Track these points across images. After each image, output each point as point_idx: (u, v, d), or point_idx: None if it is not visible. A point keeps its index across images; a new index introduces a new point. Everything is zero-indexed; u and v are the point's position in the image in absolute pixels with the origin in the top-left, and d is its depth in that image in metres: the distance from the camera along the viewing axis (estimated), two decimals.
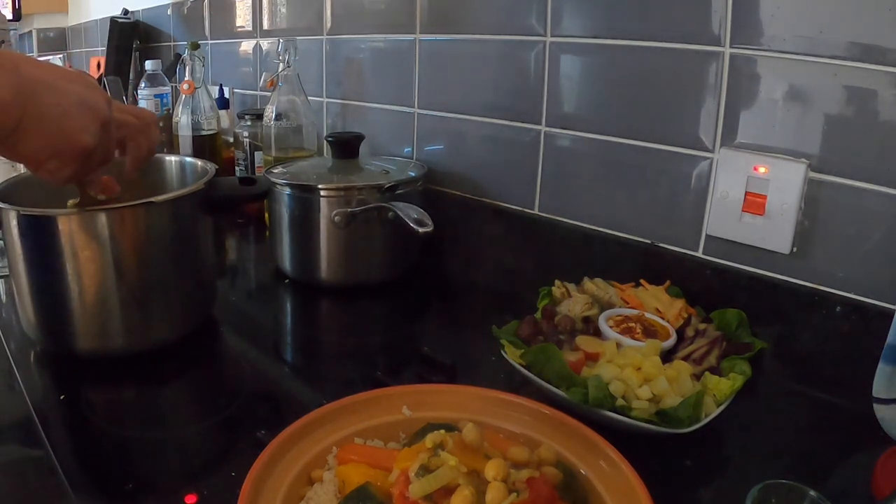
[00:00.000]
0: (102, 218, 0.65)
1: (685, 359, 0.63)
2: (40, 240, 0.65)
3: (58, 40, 2.93)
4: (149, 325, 0.71)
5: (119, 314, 0.68)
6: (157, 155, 0.91)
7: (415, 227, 0.80)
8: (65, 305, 0.67)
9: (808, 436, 0.62)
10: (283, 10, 1.36)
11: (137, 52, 1.94)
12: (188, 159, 0.87)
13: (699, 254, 0.76)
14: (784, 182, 0.67)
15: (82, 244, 0.65)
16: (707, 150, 0.73)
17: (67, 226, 0.64)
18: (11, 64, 0.48)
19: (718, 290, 0.73)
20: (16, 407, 0.63)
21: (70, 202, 0.67)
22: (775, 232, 0.68)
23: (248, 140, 1.26)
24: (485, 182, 0.98)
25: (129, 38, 1.93)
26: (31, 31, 3.04)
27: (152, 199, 0.67)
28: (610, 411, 0.55)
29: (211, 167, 0.79)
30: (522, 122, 0.90)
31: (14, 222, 0.65)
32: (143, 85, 1.59)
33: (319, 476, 0.48)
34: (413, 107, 1.06)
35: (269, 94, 1.20)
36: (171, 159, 0.89)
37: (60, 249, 0.65)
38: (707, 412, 0.56)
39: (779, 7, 0.65)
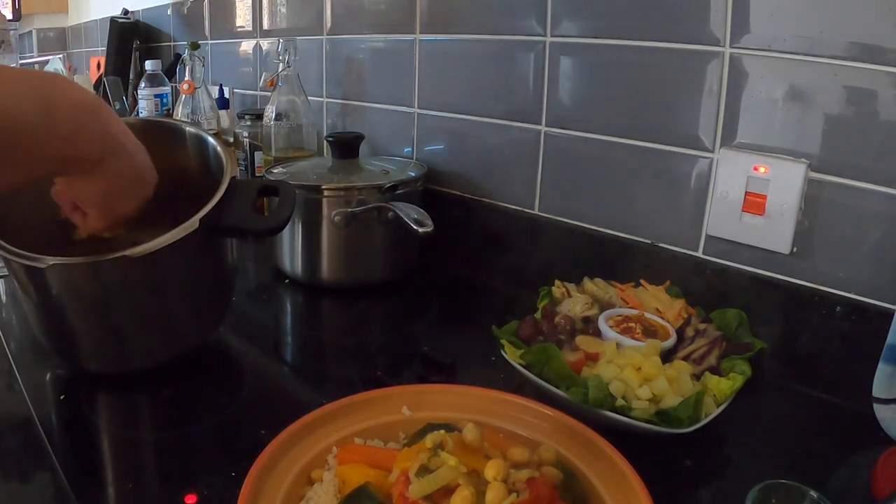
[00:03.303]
0: (95, 268, 0.61)
1: (685, 359, 0.63)
2: (33, 279, 0.63)
3: (58, 40, 2.93)
4: (152, 350, 0.68)
5: (122, 344, 0.67)
6: (178, 123, 0.84)
7: (415, 227, 0.80)
8: (64, 333, 0.66)
9: (808, 436, 0.62)
10: (283, 10, 1.36)
11: (137, 52, 1.94)
12: (211, 141, 0.74)
13: (699, 254, 0.76)
14: (784, 182, 0.67)
15: (74, 290, 0.63)
16: (707, 150, 0.73)
17: (56, 277, 0.61)
18: (106, 120, 0.52)
19: (718, 290, 0.73)
20: (16, 407, 0.63)
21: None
22: (775, 232, 0.68)
23: (248, 140, 1.26)
24: (485, 182, 0.98)
25: (129, 38, 1.93)
26: (31, 31, 3.04)
27: (129, 252, 0.59)
28: (610, 411, 0.55)
29: (225, 181, 0.66)
30: (522, 122, 0.90)
31: (13, 264, 0.63)
32: (143, 85, 1.59)
33: (319, 476, 0.48)
34: (413, 107, 1.06)
35: (269, 94, 1.20)
36: (191, 132, 0.77)
37: (53, 293, 0.63)
38: (707, 412, 0.56)
39: (779, 7, 0.65)
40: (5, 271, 0.94)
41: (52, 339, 0.68)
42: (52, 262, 0.59)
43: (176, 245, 0.60)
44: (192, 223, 0.61)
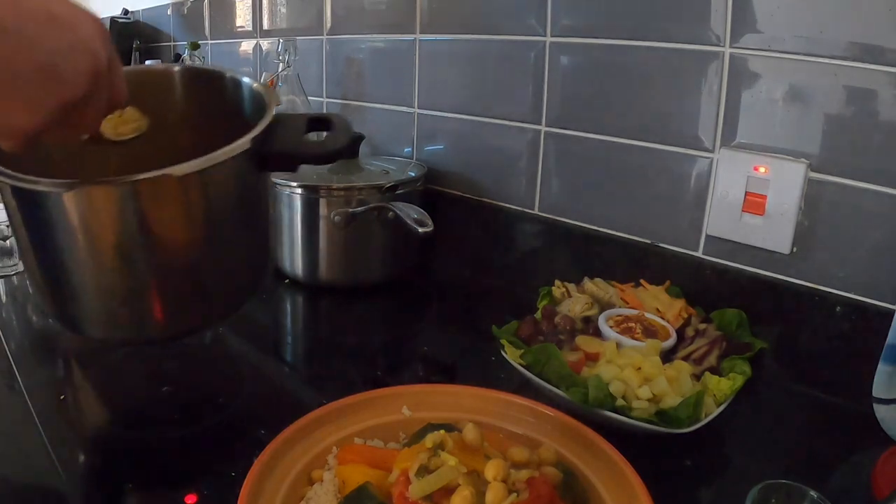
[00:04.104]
0: (117, 192, 0.49)
1: (685, 359, 0.63)
2: (41, 214, 0.51)
3: None
4: (176, 313, 0.56)
5: (144, 301, 0.54)
6: (215, 69, 0.70)
7: (415, 227, 0.80)
8: (73, 287, 0.53)
9: (808, 436, 0.62)
10: (283, 10, 1.36)
11: (137, 52, 1.94)
12: (245, 80, 0.64)
13: (699, 254, 0.76)
14: (784, 182, 0.67)
15: (97, 223, 0.50)
16: (707, 150, 0.73)
17: (73, 203, 0.49)
18: None
19: (718, 290, 0.73)
20: (16, 407, 0.63)
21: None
22: (775, 232, 0.68)
23: None
24: (485, 182, 0.98)
25: (129, 38, 1.93)
26: None
27: (171, 171, 0.48)
28: (610, 411, 0.55)
29: (271, 108, 0.57)
30: (522, 122, 0.90)
31: (9, 191, 0.50)
32: None
33: (319, 476, 0.48)
34: (413, 107, 1.06)
35: None
36: (229, 75, 0.66)
37: (71, 230, 0.50)
38: (707, 412, 0.56)
39: (779, 7, 0.65)
40: (6, 271, 0.95)
41: (57, 298, 0.55)
42: (74, 187, 0.47)
43: (224, 168, 0.51)
44: (244, 143, 0.52)
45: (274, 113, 0.56)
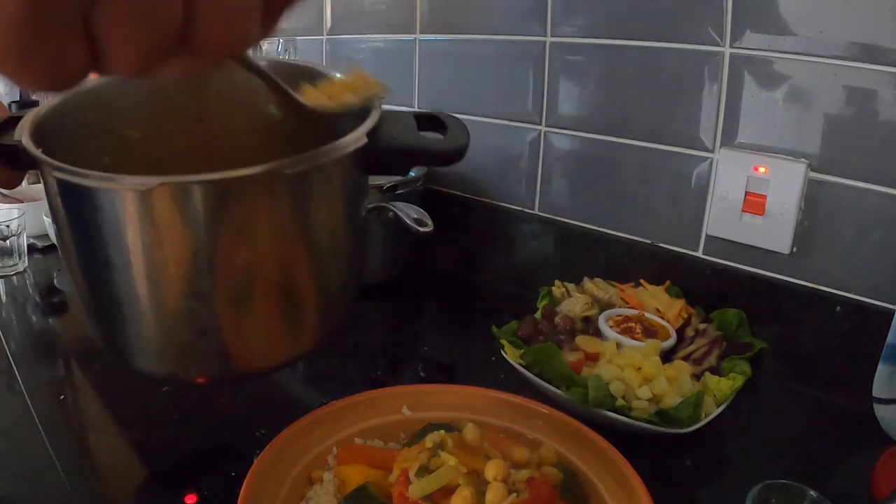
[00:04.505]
0: (226, 191, 0.37)
1: (685, 359, 0.63)
2: (93, 217, 0.38)
3: None
4: (264, 344, 0.44)
5: (218, 331, 0.42)
6: (304, 64, 0.56)
7: (415, 227, 0.79)
8: (129, 312, 0.42)
9: (808, 436, 0.62)
10: None
11: None
12: (338, 76, 0.51)
13: (699, 254, 0.76)
14: (784, 182, 0.67)
15: (185, 230, 0.38)
16: (707, 150, 0.73)
17: (165, 205, 0.37)
18: None
19: (718, 290, 0.73)
20: (16, 407, 0.63)
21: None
22: (775, 232, 0.68)
23: None
24: (485, 182, 0.98)
25: None
26: None
27: (282, 166, 0.37)
28: (610, 411, 0.55)
29: (377, 103, 0.45)
30: (522, 122, 0.90)
31: (54, 185, 0.39)
32: None
33: (319, 476, 0.48)
34: (413, 107, 1.06)
35: None
36: (320, 72, 0.53)
37: (121, 238, 0.38)
38: (707, 412, 0.56)
39: (779, 7, 0.65)
40: (6, 271, 0.95)
41: (109, 325, 0.44)
42: (161, 182, 0.35)
43: (336, 167, 0.42)
44: (358, 136, 0.41)
45: (380, 108, 0.45)
